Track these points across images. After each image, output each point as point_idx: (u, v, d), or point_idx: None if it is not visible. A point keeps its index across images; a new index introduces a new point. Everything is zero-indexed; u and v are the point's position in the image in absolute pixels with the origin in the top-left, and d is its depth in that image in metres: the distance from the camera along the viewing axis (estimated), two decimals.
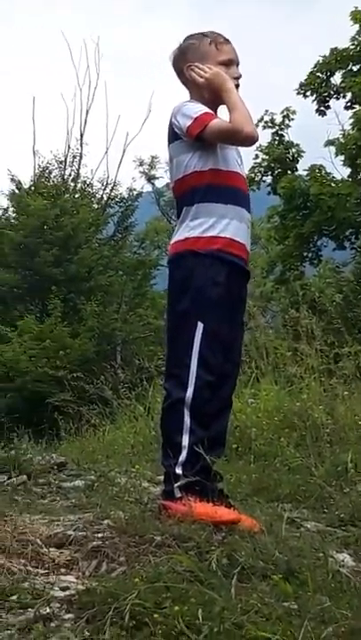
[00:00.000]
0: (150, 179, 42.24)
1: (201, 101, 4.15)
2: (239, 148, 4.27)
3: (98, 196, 28.96)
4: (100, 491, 5.00)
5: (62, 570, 3.14)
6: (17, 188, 27.09)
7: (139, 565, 3.06)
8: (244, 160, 4.30)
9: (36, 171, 28.33)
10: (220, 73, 4.14)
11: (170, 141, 4.20)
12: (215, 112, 4.15)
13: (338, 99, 23.38)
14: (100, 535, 3.49)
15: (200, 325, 3.93)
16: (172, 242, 4.18)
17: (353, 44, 22.33)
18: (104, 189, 29.02)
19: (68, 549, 3.34)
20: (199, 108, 4.08)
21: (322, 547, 3.31)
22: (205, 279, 3.96)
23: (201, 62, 4.19)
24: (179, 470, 3.82)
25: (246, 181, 4.33)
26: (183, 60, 4.27)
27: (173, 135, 4.16)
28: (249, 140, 4.05)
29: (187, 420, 3.87)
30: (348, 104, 22.96)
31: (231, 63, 4.25)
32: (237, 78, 4.23)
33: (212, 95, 4.16)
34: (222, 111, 4.17)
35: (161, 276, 26.40)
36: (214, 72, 4.14)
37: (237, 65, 4.29)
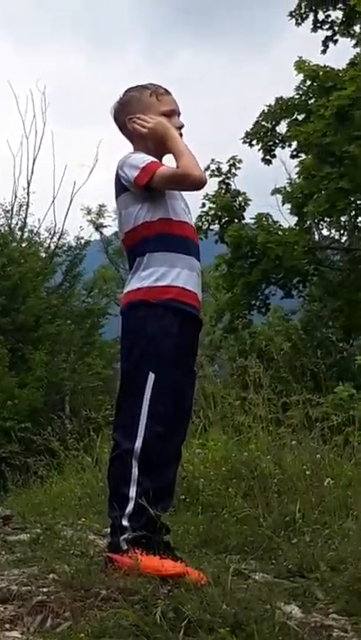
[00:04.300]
0: (98, 227, 42.40)
1: (145, 152, 4.16)
2: (186, 197, 4.29)
3: (45, 244, 28.89)
4: (45, 544, 4.94)
5: (6, 625, 3.09)
6: None
7: (84, 620, 3.03)
8: (190, 208, 4.31)
9: None
10: (163, 121, 4.17)
11: (117, 194, 4.20)
12: (160, 161, 4.17)
13: (283, 147, 23.66)
14: (44, 589, 3.45)
15: (151, 376, 3.92)
16: (124, 292, 4.18)
17: (298, 94, 22.63)
18: (51, 238, 28.95)
19: (13, 604, 3.30)
20: (145, 158, 4.09)
21: (269, 598, 3.29)
22: (158, 329, 3.96)
23: (143, 113, 4.21)
24: (125, 522, 3.79)
25: (195, 231, 4.34)
26: (125, 113, 4.29)
27: (121, 187, 4.16)
28: (197, 184, 4.07)
29: (134, 471, 3.84)
30: (294, 153, 23.23)
31: (173, 113, 4.27)
32: (180, 128, 4.25)
33: (156, 145, 4.18)
34: (167, 160, 4.18)
35: (109, 325, 26.35)
36: (157, 121, 4.17)
37: (179, 115, 4.32)
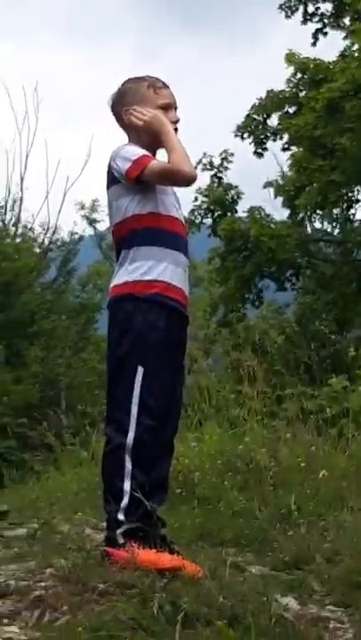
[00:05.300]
0: (92, 222, 42.29)
1: (139, 145, 4.18)
2: (177, 192, 4.31)
3: (39, 240, 28.87)
4: (42, 539, 4.96)
5: (5, 620, 3.10)
6: None
7: (82, 614, 3.04)
8: (183, 202, 4.33)
9: None
10: (159, 115, 4.18)
11: (108, 185, 4.21)
12: (154, 155, 4.18)
13: (275, 140, 23.62)
14: (42, 584, 3.46)
15: (140, 369, 3.93)
16: (111, 285, 4.20)
17: (288, 87, 22.61)
18: (45, 233, 28.91)
19: (11, 599, 3.31)
20: (138, 151, 4.10)
21: (266, 591, 3.31)
22: (144, 323, 3.97)
23: (139, 106, 4.22)
24: (121, 516, 3.80)
25: (185, 226, 4.35)
26: (121, 104, 4.30)
27: (112, 179, 4.18)
28: (188, 180, 4.09)
29: (128, 465, 3.85)
30: (286, 146, 23.20)
31: (169, 107, 4.28)
32: (176, 122, 4.26)
33: (150, 138, 4.19)
34: (161, 155, 4.20)
35: (104, 320, 26.23)
36: (153, 114, 4.18)
37: (176, 109, 4.33)
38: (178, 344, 4.18)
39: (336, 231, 24.70)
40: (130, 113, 4.25)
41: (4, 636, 2.85)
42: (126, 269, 4.09)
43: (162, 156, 4.19)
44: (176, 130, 4.23)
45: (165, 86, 4.35)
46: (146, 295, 4.00)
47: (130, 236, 4.12)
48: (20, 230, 28.41)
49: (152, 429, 3.92)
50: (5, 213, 28.36)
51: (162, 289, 4.03)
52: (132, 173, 4.03)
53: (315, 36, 23.78)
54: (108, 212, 4.33)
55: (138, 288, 4.02)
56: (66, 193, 29.81)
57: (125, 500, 3.82)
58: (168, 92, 4.34)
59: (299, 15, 23.89)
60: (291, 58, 21.89)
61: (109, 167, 4.18)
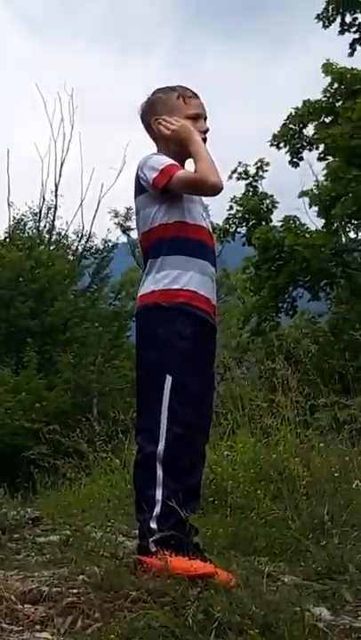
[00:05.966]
0: (125, 230, 42.41)
1: (168, 154, 4.20)
2: (205, 201, 4.32)
3: (73, 247, 29.03)
4: (75, 545, 4.95)
5: (37, 627, 3.11)
6: None
7: (114, 621, 3.04)
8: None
9: (11, 222, 28.39)
10: (187, 125, 4.19)
11: (136, 194, 4.23)
12: (182, 165, 4.20)
13: (311, 150, 23.64)
14: (74, 591, 3.46)
15: (169, 379, 3.93)
16: (138, 294, 4.20)
17: (325, 96, 22.60)
18: (79, 241, 29.11)
19: (43, 606, 3.31)
20: (165, 160, 4.12)
21: (299, 601, 3.29)
22: (172, 332, 3.97)
23: (169, 115, 4.24)
24: (153, 525, 3.80)
25: (212, 235, 4.34)
26: (151, 113, 4.32)
27: (140, 188, 4.19)
28: (214, 190, 4.07)
29: (159, 473, 3.85)
30: (322, 155, 23.20)
31: (199, 117, 4.29)
32: (205, 132, 4.27)
33: (178, 148, 4.20)
34: (189, 165, 4.21)
35: None
36: (181, 124, 4.19)
37: (205, 119, 4.34)
38: (206, 352, 4.17)
39: None
40: (159, 123, 4.26)
41: None
42: (153, 278, 4.10)
43: (190, 165, 4.19)
44: (205, 140, 4.23)
45: (195, 96, 4.36)
46: (172, 304, 4.00)
47: (157, 245, 4.13)
48: (54, 237, 28.59)
49: (183, 438, 3.91)
50: (40, 220, 28.56)
51: (188, 298, 4.03)
52: (159, 183, 4.04)
53: (352, 46, 23.73)
54: (136, 221, 4.36)
55: (164, 297, 4.02)
56: (100, 200, 29.98)
57: (158, 509, 3.82)
58: (198, 102, 4.35)
59: (336, 25, 23.83)
60: (328, 68, 21.95)
61: (137, 176, 4.20)
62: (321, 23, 23.93)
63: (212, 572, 3.61)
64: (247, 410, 8.39)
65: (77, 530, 5.63)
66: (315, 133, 22.90)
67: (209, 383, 4.24)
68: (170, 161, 4.12)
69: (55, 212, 29.02)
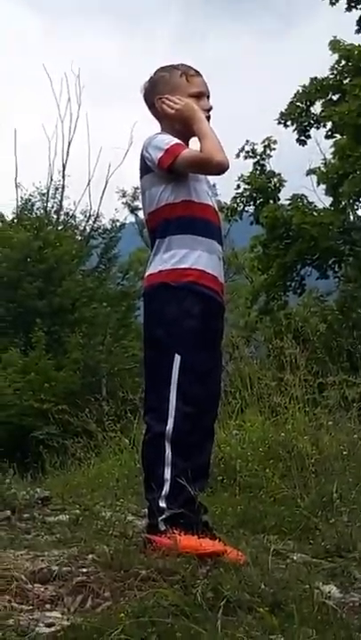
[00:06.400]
0: (133, 210, 42.32)
1: (172, 133, 4.18)
2: (210, 180, 4.30)
3: (81, 227, 29.01)
4: (84, 525, 4.95)
5: (47, 606, 3.11)
6: None
7: (124, 600, 3.05)
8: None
9: (19, 203, 28.38)
10: (191, 104, 4.17)
11: (142, 174, 4.22)
12: (186, 144, 4.18)
13: (318, 128, 23.54)
14: (84, 570, 3.47)
15: (177, 357, 3.93)
16: (146, 274, 4.19)
17: (332, 74, 22.51)
18: (87, 221, 29.08)
19: (53, 585, 3.32)
20: (170, 140, 4.10)
21: (308, 578, 3.30)
22: (180, 312, 3.97)
23: (171, 94, 4.22)
24: (162, 503, 3.81)
25: (218, 214, 4.33)
26: (154, 93, 4.30)
27: (145, 168, 4.18)
28: (220, 169, 4.07)
29: (168, 452, 3.86)
30: (329, 133, 23.12)
31: (202, 95, 4.28)
32: (208, 110, 4.25)
33: (182, 127, 4.19)
34: (194, 143, 4.19)
35: None
36: (185, 103, 4.17)
37: (208, 97, 4.32)
38: (214, 331, 4.17)
39: None
40: (162, 102, 4.25)
41: (46, 622, 2.87)
42: (160, 258, 4.09)
43: (195, 144, 4.17)
44: (209, 118, 4.22)
45: (198, 74, 4.33)
46: (180, 283, 4.00)
47: (163, 225, 4.12)
48: (61, 218, 28.57)
49: (191, 417, 3.92)
50: (47, 201, 28.53)
51: (196, 277, 4.02)
52: (165, 162, 4.03)
53: (359, 23, 23.55)
54: (142, 201, 4.35)
55: (172, 277, 4.02)
56: (108, 180, 29.94)
57: (166, 488, 3.83)
58: (200, 81, 4.33)
59: (343, 1, 23.64)
60: (335, 45, 21.84)
61: (142, 156, 4.19)
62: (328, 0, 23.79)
63: (222, 550, 3.62)
64: (256, 389, 8.40)
65: (87, 509, 5.63)
66: (322, 111, 22.80)
67: (217, 362, 4.24)
68: (175, 140, 4.10)
69: (63, 192, 29.02)
